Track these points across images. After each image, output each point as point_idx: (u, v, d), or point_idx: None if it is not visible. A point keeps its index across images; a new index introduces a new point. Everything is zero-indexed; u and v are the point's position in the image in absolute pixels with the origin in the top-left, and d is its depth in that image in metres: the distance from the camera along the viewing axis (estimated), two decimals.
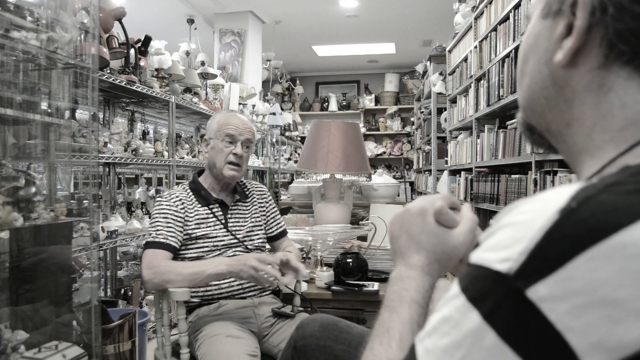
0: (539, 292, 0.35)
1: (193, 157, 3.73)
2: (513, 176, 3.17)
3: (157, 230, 1.62)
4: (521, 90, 0.55)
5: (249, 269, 1.47)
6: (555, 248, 0.36)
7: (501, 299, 0.37)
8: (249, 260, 1.49)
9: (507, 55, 3.22)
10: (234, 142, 1.73)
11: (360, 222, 2.51)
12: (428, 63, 6.24)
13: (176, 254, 1.64)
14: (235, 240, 1.72)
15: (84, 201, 2.01)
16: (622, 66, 0.45)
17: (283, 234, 1.90)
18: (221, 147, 1.72)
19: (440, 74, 5.53)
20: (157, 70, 3.25)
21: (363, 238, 2.21)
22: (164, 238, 1.60)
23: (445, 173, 5.13)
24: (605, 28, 0.45)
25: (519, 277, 0.36)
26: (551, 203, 0.38)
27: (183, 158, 3.56)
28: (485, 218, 3.71)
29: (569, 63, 0.48)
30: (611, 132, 0.47)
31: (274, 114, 5.71)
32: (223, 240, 1.70)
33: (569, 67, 0.48)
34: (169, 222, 1.64)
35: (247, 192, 1.86)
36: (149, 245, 1.60)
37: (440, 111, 5.56)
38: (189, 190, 1.76)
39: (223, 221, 1.73)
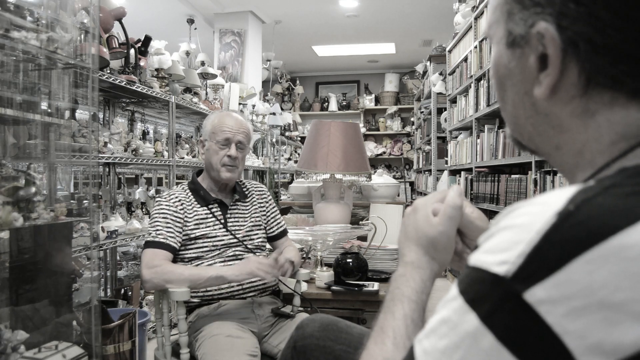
0: (537, 295, 0.35)
1: (193, 157, 3.73)
2: (513, 176, 3.17)
3: (157, 230, 1.62)
4: (506, 115, 0.55)
5: (255, 262, 1.55)
6: (553, 251, 0.36)
7: (499, 302, 0.37)
8: (253, 257, 1.59)
9: None
10: (228, 144, 1.73)
11: (360, 222, 2.51)
12: (428, 63, 6.24)
13: (176, 255, 1.64)
14: (235, 240, 1.72)
15: (84, 201, 2.01)
16: (603, 91, 0.45)
17: (283, 233, 1.90)
18: (215, 149, 1.72)
19: (440, 74, 5.52)
20: (157, 70, 3.25)
21: (363, 238, 2.22)
22: (164, 238, 1.61)
23: (445, 173, 5.13)
24: (581, 63, 0.44)
25: (517, 280, 0.36)
26: (549, 206, 0.38)
27: (183, 158, 3.56)
28: None
29: (549, 95, 0.48)
30: (602, 147, 0.46)
31: (274, 114, 5.71)
32: (222, 240, 1.70)
33: (551, 98, 0.48)
34: (168, 223, 1.64)
35: (246, 192, 1.86)
36: (149, 244, 1.60)
37: (440, 111, 5.56)
38: (188, 191, 1.76)
39: (222, 221, 1.73)
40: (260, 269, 1.54)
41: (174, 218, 1.65)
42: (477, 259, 0.41)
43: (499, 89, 0.54)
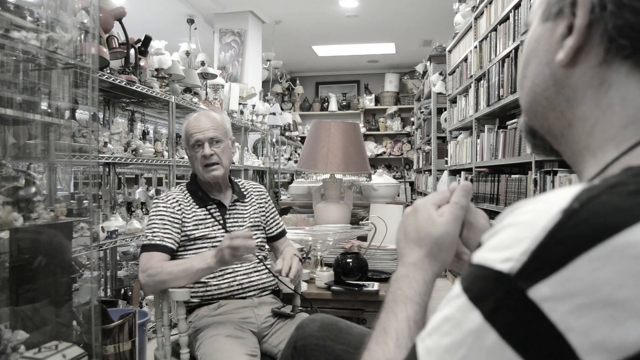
0: (541, 292, 0.35)
1: None
2: (513, 176, 3.17)
3: (154, 232, 1.62)
4: (523, 93, 0.55)
5: (227, 251, 1.44)
6: (557, 248, 0.36)
7: (502, 299, 0.37)
8: (224, 244, 1.45)
9: (507, 55, 3.22)
10: (201, 144, 1.71)
11: (360, 222, 2.51)
12: (428, 63, 6.24)
13: (175, 255, 1.64)
14: None
15: (84, 201, 2.01)
16: (622, 62, 0.45)
17: (282, 234, 1.90)
18: (193, 154, 1.72)
19: (440, 74, 5.52)
20: (157, 70, 3.25)
21: (363, 238, 2.21)
22: (160, 240, 1.60)
23: (445, 173, 5.13)
24: (605, 24, 0.45)
25: (521, 277, 0.36)
26: (554, 204, 0.38)
27: (183, 158, 3.56)
28: None
29: (570, 62, 0.48)
30: (612, 130, 0.46)
31: (274, 114, 5.71)
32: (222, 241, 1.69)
33: (570, 66, 0.48)
34: (165, 224, 1.63)
35: (245, 192, 1.86)
36: (145, 248, 1.60)
37: (440, 111, 5.56)
38: (186, 192, 1.75)
39: (221, 222, 1.73)
40: (235, 243, 1.43)
41: (171, 219, 1.65)
42: (480, 256, 0.40)
43: (523, 67, 0.55)
